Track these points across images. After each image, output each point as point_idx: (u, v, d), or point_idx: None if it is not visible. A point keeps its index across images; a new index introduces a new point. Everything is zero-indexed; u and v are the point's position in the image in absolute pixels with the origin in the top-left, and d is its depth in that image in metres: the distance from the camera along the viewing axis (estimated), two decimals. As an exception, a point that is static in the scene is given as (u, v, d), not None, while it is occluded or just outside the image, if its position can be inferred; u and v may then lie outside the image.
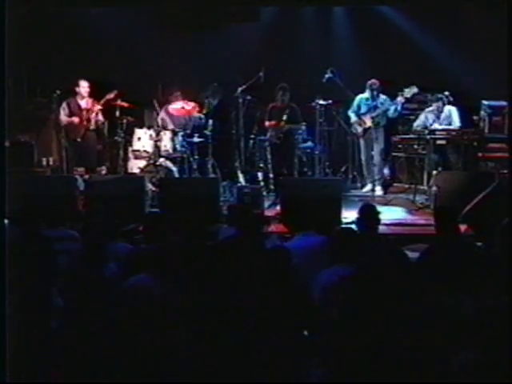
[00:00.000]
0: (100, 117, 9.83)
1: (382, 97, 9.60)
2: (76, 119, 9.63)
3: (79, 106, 9.73)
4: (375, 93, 9.57)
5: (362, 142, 9.83)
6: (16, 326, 3.87)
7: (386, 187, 9.83)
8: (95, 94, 9.76)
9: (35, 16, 10.22)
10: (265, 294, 4.28)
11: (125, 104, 9.68)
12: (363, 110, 9.69)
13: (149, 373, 3.99)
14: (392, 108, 9.52)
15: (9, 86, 10.10)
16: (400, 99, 9.37)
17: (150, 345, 4.09)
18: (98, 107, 9.70)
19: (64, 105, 9.71)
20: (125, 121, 9.72)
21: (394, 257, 5.28)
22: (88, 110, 9.68)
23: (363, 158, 9.86)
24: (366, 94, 9.67)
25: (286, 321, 4.14)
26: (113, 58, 10.71)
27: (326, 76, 9.48)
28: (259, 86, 9.70)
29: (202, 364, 3.94)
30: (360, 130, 9.73)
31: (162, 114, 10.11)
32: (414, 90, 9.30)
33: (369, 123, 9.61)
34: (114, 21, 10.77)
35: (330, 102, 9.64)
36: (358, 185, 10.10)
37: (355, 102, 9.75)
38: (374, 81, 9.59)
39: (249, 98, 9.74)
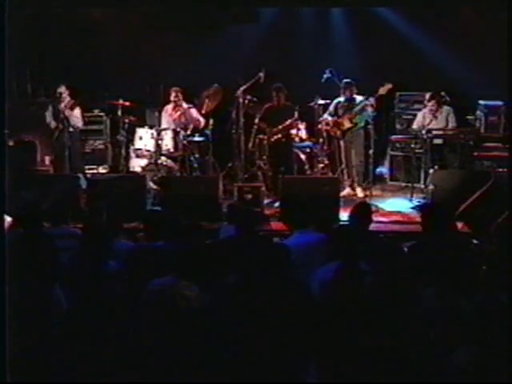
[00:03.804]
0: (79, 122, 9.84)
1: (359, 98, 9.54)
2: (53, 123, 9.68)
3: (59, 110, 9.68)
4: (349, 94, 9.53)
5: (342, 144, 9.74)
6: (16, 325, 3.85)
7: (368, 188, 9.53)
8: (96, 95, 9.82)
9: (38, 17, 10.31)
10: (264, 290, 4.30)
11: (126, 103, 9.80)
12: (341, 112, 9.65)
13: (149, 371, 4.00)
14: (367, 107, 9.41)
15: (12, 86, 10.25)
16: (371, 100, 9.31)
17: (152, 344, 4.12)
18: (78, 111, 9.75)
19: (50, 109, 9.75)
20: (127, 120, 9.82)
21: (390, 254, 5.44)
22: (64, 113, 9.65)
23: (343, 160, 9.76)
24: (342, 98, 9.66)
25: (285, 317, 4.15)
26: (115, 58, 10.78)
27: (325, 76, 9.47)
28: (259, 86, 9.76)
29: (201, 363, 3.96)
30: (339, 132, 9.64)
31: (163, 114, 10.19)
32: (389, 86, 9.21)
33: (347, 124, 9.55)
34: (115, 22, 10.85)
35: (329, 101, 9.71)
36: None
37: (332, 106, 9.73)
38: (346, 80, 9.54)
39: (249, 97, 9.79)
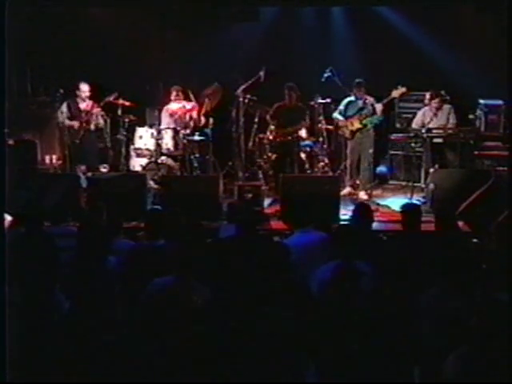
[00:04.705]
0: (100, 120, 9.83)
1: (368, 97, 9.51)
2: (76, 124, 9.62)
3: (79, 109, 9.70)
4: (359, 93, 9.48)
5: (349, 144, 9.68)
6: (16, 325, 3.87)
7: (370, 194, 9.54)
8: (96, 94, 9.81)
9: (39, 16, 10.31)
10: (264, 289, 4.34)
11: (126, 103, 9.80)
12: (351, 112, 9.60)
13: (149, 371, 3.99)
14: (375, 111, 9.42)
15: (12, 86, 10.25)
16: (378, 106, 9.34)
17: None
18: (98, 110, 9.71)
19: (64, 106, 9.69)
20: (127, 119, 9.82)
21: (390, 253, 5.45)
22: (87, 113, 9.65)
23: (348, 161, 9.70)
24: (353, 97, 9.61)
25: (284, 317, 4.13)
26: (115, 57, 10.76)
27: (325, 75, 9.49)
28: (259, 85, 9.77)
29: (201, 362, 3.96)
30: (348, 132, 9.61)
31: (163, 113, 10.19)
32: (403, 89, 9.25)
33: (357, 125, 9.50)
34: (115, 21, 10.84)
35: (329, 100, 9.73)
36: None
37: (342, 105, 9.68)
38: (357, 80, 9.51)
39: (249, 97, 9.80)
